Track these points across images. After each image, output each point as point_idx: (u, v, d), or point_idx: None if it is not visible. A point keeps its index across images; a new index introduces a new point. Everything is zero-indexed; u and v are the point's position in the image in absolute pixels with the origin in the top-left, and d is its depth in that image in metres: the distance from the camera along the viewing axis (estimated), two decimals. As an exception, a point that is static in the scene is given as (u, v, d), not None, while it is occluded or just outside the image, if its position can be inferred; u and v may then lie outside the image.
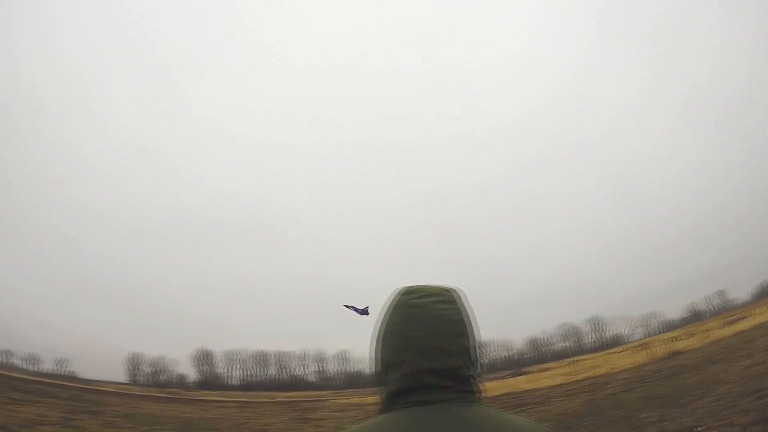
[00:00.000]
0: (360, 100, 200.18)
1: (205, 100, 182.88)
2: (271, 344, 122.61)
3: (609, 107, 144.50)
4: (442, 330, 1.35)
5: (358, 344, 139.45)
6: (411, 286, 1.47)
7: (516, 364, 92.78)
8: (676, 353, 32.06)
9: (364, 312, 58.33)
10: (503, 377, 68.40)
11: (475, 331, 1.44)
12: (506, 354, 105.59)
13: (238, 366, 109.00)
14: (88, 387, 77.59)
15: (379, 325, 1.46)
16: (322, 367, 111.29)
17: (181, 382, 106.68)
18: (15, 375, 76.63)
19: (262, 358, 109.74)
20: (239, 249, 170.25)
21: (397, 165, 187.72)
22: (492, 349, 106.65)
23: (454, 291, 1.47)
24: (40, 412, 24.07)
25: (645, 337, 73.47)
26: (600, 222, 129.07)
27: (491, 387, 46.82)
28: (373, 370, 1.48)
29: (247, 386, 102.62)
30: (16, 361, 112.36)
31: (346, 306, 61.70)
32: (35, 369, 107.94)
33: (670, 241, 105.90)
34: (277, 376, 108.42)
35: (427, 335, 1.34)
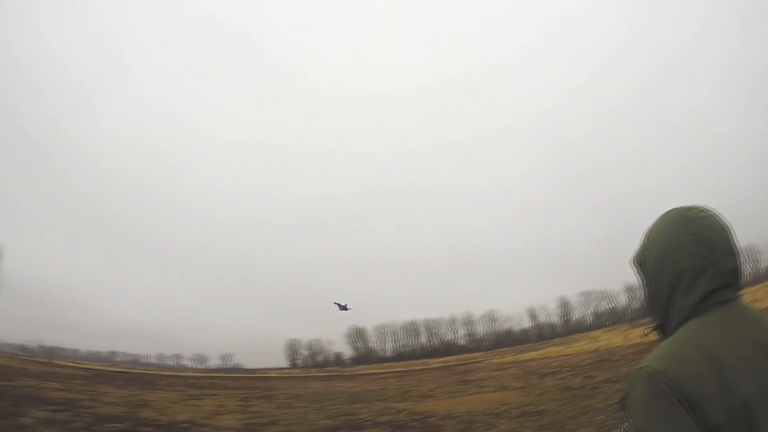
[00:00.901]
0: (470, 70, 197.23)
1: (323, 98, 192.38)
2: (419, 313, 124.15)
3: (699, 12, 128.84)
4: (729, 235, 1.57)
5: (504, 303, 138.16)
6: (684, 206, 1.64)
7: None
8: None
9: (344, 308, 64.47)
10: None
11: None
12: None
13: (390, 338, 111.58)
14: (254, 375, 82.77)
15: (656, 243, 1.64)
16: (471, 329, 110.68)
17: (338, 360, 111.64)
18: (188, 374, 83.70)
19: (412, 328, 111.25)
20: (377, 227, 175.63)
21: (517, 123, 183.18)
22: (641, 291, 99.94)
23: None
24: (218, 403, 24.63)
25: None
26: (739, 139, 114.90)
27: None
28: (663, 286, 1.61)
29: (400, 356, 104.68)
30: (187, 362, 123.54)
31: (335, 303, 66.65)
32: (204, 366, 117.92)
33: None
34: (428, 343, 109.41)
35: (723, 239, 1.56)
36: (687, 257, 1.54)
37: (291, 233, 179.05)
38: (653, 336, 1.69)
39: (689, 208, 1.63)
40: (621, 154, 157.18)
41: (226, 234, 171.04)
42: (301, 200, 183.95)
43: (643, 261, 1.69)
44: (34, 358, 72.33)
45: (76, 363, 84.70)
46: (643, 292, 1.72)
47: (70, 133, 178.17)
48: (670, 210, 1.66)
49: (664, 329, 1.63)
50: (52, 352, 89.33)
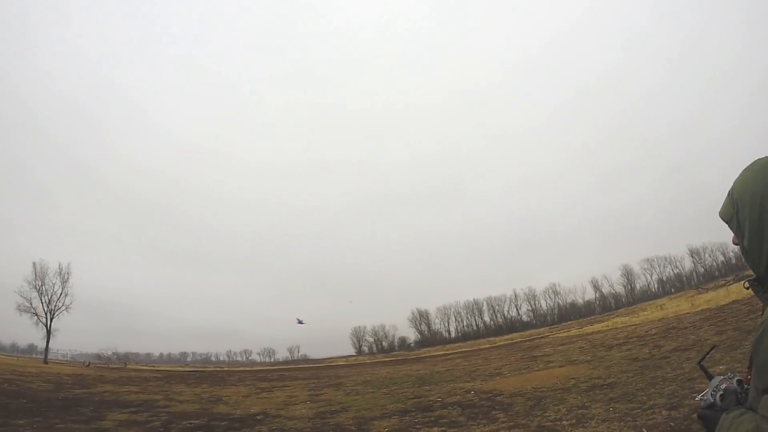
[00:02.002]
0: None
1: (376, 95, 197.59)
2: (481, 292, 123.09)
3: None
4: None
5: (566, 275, 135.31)
6: None
7: (735, 268, 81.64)
8: None
9: (301, 322, 76.54)
10: (725, 284, 59.47)
11: None
12: (722, 259, 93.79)
13: (453, 319, 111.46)
14: (321, 365, 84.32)
15: (750, 192, 1.51)
16: (534, 304, 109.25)
17: (403, 344, 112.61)
18: (257, 368, 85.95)
19: (475, 307, 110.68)
20: (432, 211, 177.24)
21: (573, 99, 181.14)
22: (706, 254, 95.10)
23: None
24: (289, 394, 24.84)
25: None
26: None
27: (716, 297, 40.92)
28: (764, 235, 1.48)
29: (465, 336, 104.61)
30: (255, 357, 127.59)
31: (297, 318, 79.57)
32: (272, 360, 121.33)
33: None
34: (492, 322, 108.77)
35: None
36: None
37: (345, 229, 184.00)
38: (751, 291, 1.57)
39: None
40: (676, 120, 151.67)
41: (281, 236, 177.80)
42: (356, 197, 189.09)
43: (733, 214, 1.57)
44: (110, 365, 75.76)
45: (150, 366, 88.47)
46: (740, 246, 1.58)
47: (130, 154, 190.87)
48: (757, 160, 1.56)
49: (764, 282, 1.49)
50: (126, 358, 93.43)
